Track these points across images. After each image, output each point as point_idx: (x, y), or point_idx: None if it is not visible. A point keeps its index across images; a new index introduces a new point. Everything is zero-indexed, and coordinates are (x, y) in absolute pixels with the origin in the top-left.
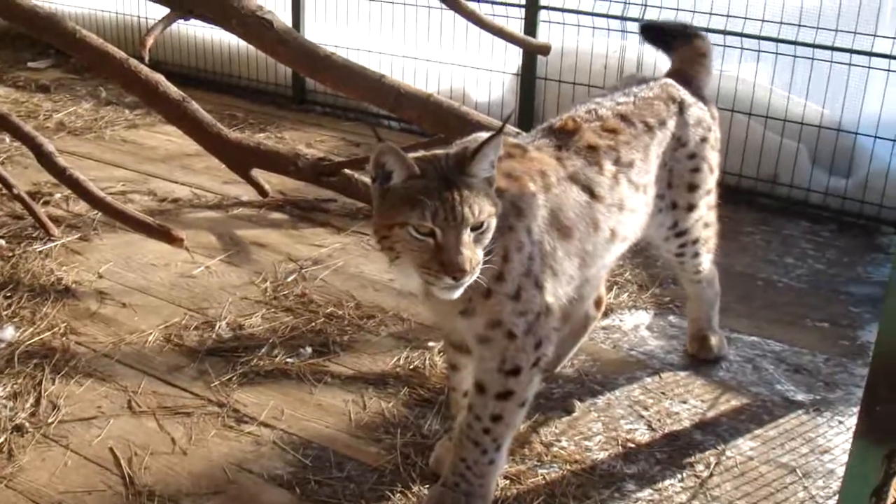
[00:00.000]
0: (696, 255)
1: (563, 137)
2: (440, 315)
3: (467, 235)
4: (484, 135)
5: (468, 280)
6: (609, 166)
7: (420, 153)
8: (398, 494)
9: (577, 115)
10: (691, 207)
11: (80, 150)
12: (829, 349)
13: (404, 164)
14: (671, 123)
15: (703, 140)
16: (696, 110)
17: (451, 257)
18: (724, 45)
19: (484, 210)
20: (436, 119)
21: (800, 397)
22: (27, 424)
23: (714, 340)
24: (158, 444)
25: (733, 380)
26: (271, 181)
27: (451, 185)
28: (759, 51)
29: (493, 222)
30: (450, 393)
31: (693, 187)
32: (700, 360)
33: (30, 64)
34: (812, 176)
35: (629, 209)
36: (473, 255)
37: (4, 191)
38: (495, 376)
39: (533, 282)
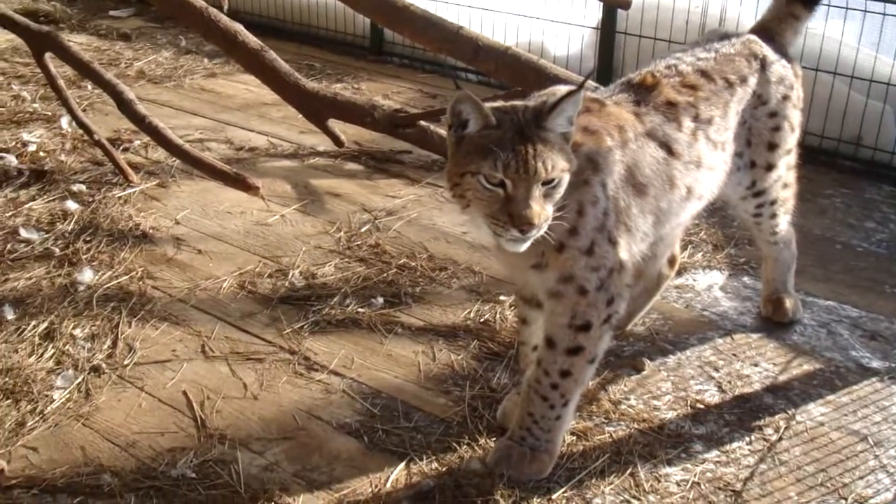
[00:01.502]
0: (774, 215)
1: (642, 92)
2: (512, 267)
3: (538, 190)
4: (563, 89)
5: (535, 234)
6: (688, 123)
7: (498, 103)
8: (465, 446)
9: (656, 70)
10: (770, 167)
11: (160, 97)
12: None
13: (481, 112)
14: (752, 80)
15: (785, 98)
16: (779, 68)
17: (520, 210)
18: None
19: (557, 165)
20: (513, 72)
21: (875, 364)
22: (104, 366)
23: (789, 303)
24: (230, 388)
25: (807, 344)
26: (347, 132)
27: (526, 137)
28: (846, 8)
29: (566, 178)
30: (519, 347)
31: (773, 146)
32: (774, 322)
33: (111, 13)
34: None
35: (707, 167)
36: (542, 209)
37: (85, 137)
38: (566, 331)
39: (606, 237)
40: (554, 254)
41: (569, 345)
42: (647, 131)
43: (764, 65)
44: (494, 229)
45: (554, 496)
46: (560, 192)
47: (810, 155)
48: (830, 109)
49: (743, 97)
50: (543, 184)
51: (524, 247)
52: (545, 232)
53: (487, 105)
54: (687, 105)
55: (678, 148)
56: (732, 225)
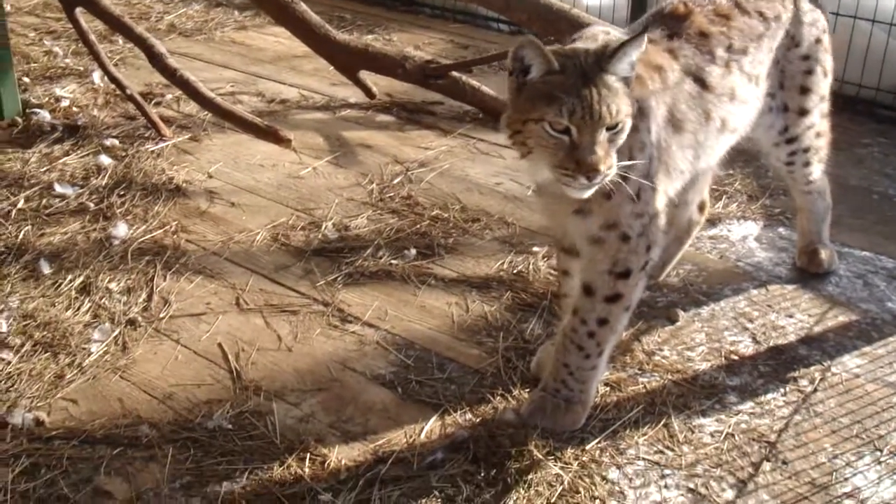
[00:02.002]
0: (807, 164)
1: (674, 23)
2: (553, 214)
3: (603, 135)
4: (599, 29)
5: (601, 181)
6: (721, 53)
7: (557, 47)
8: (498, 397)
9: (693, 0)
10: (803, 112)
11: (191, 51)
12: None
13: (544, 58)
14: (786, 18)
15: (818, 41)
16: (812, 9)
17: (586, 156)
18: None
19: (621, 110)
20: (546, 21)
21: None
22: (140, 319)
23: (824, 254)
24: (265, 340)
25: (842, 295)
26: (379, 83)
27: (590, 82)
28: None
29: (629, 123)
30: (561, 300)
31: (805, 90)
32: (809, 273)
33: None
34: None
35: (740, 100)
36: (608, 155)
37: (118, 91)
38: (606, 278)
39: (650, 184)
40: (601, 200)
41: (608, 292)
42: (683, 67)
43: (797, 4)
44: (560, 177)
45: (588, 447)
46: (623, 137)
47: (847, 104)
48: (868, 58)
49: (776, 34)
50: (608, 129)
51: (589, 193)
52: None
53: (548, 49)
54: (720, 35)
55: (711, 80)
56: (767, 175)
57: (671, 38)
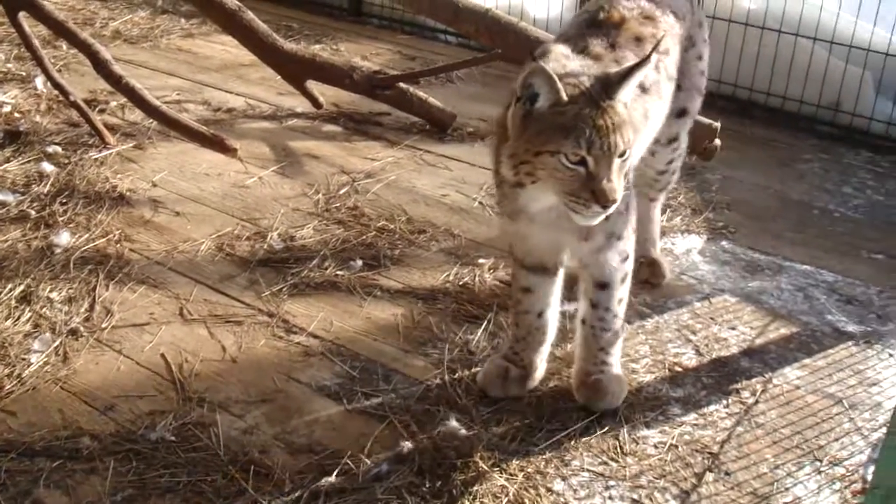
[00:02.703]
0: (675, 172)
1: (612, 31)
2: (546, 240)
3: (617, 164)
4: (561, 51)
5: (614, 208)
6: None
7: (567, 77)
8: (444, 409)
9: (619, 4)
10: (692, 115)
11: (136, 58)
12: (883, 281)
13: (554, 88)
14: (688, 19)
15: (705, 42)
16: (701, 11)
17: (604, 186)
18: None
19: (631, 138)
20: (493, 34)
21: (850, 328)
22: (82, 329)
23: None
24: (209, 351)
25: (783, 308)
26: (326, 93)
27: (602, 112)
28: None
29: (635, 146)
30: (521, 316)
31: (700, 93)
32: (746, 291)
33: None
34: (876, 104)
35: (664, 99)
36: (621, 183)
37: (61, 98)
38: (616, 270)
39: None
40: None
41: (620, 277)
42: None
43: (692, 5)
44: (573, 206)
45: (533, 458)
46: (630, 162)
47: (789, 120)
48: (810, 75)
49: (681, 35)
50: (619, 156)
51: (600, 219)
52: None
53: (561, 78)
54: (651, 37)
55: (647, 83)
56: (711, 189)
57: (613, 48)
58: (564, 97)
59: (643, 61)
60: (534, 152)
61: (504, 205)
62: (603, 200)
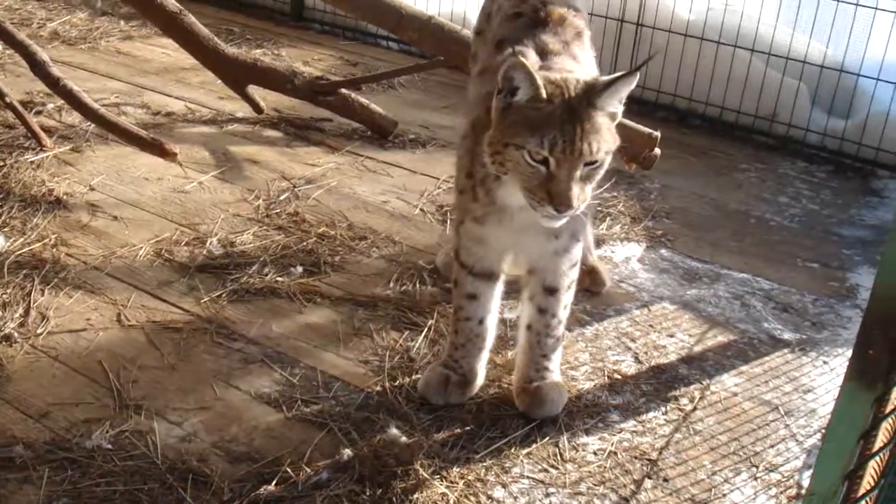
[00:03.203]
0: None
1: (558, 28)
2: (516, 239)
3: (580, 171)
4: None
5: (571, 213)
6: (589, 47)
7: (550, 74)
8: (384, 416)
9: (551, 2)
10: None
11: (74, 60)
12: (818, 290)
13: (533, 84)
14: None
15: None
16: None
17: (560, 190)
18: None
19: (601, 148)
20: (436, 41)
21: (786, 336)
22: (16, 335)
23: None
24: (147, 358)
25: (721, 316)
26: (267, 98)
27: (575, 116)
28: None
29: (608, 159)
30: (463, 323)
31: None
32: (688, 295)
33: None
34: (811, 116)
35: None
36: (581, 191)
37: None
38: (566, 275)
39: None
40: (574, 219)
41: (568, 283)
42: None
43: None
44: (531, 203)
45: (473, 465)
46: (600, 173)
47: (727, 130)
48: (747, 86)
49: None
50: (586, 164)
51: (560, 223)
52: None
53: (541, 75)
54: (583, 29)
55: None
56: (650, 198)
57: (567, 45)
58: (544, 94)
59: (632, 72)
60: (504, 143)
61: (473, 207)
62: (557, 203)
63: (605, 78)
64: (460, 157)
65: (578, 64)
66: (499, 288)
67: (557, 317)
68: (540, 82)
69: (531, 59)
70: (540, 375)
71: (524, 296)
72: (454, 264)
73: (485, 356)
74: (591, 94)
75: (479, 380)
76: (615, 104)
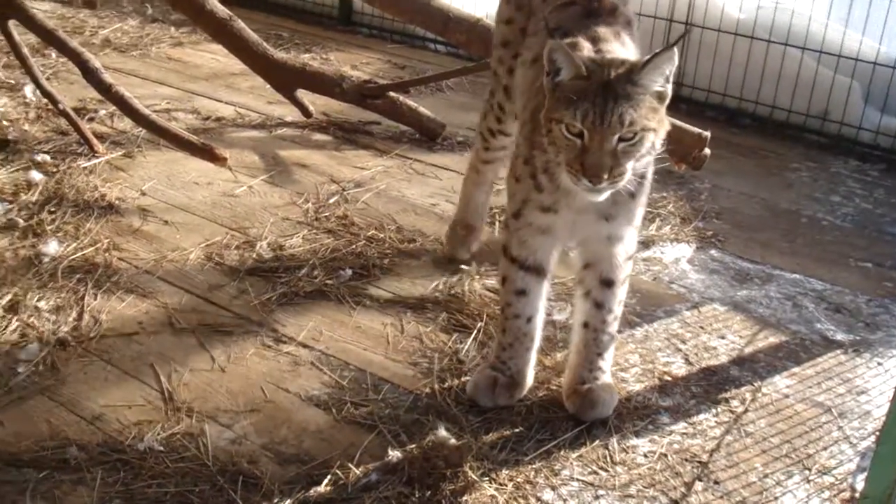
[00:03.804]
0: None
1: (609, 18)
2: (573, 223)
3: (612, 143)
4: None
5: (606, 186)
6: (636, 38)
7: (594, 54)
8: (433, 418)
9: None
10: None
11: (126, 67)
12: (871, 290)
13: (572, 62)
14: None
15: None
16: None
17: (591, 160)
18: None
19: (637, 122)
20: (484, 44)
21: (839, 337)
22: (69, 338)
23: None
24: (197, 361)
25: (773, 317)
26: (316, 102)
27: (611, 91)
28: None
29: (650, 137)
30: (511, 321)
31: None
32: (737, 298)
33: None
34: (864, 113)
35: None
36: (616, 163)
37: (50, 106)
38: (622, 267)
39: None
40: (628, 202)
41: (623, 276)
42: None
43: None
44: (571, 178)
45: (522, 468)
46: (640, 149)
47: (778, 129)
48: (799, 84)
49: None
50: (622, 139)
51: (602, 197)
52: (623, 186)
53: (583, 55)
54: (633, 20)
55: None
56: (700, 198)
57: (619, 36)
58: (584, 71)
59: (669, 48)
60: (549, 119)
61: (537, 196)
62: (588, 174)
63: (645, 57)
64: (518, 144)
65: (627, 51)
66: (546, 287)
67: (613, 312)
68: (579, 61)
69: (584, 47)
70: (593, 376)
71: (579, 293)
72: (502, 261)
73: (533, 357)
74: (632, 72)
75: (528, 381)
76: (659, 82)
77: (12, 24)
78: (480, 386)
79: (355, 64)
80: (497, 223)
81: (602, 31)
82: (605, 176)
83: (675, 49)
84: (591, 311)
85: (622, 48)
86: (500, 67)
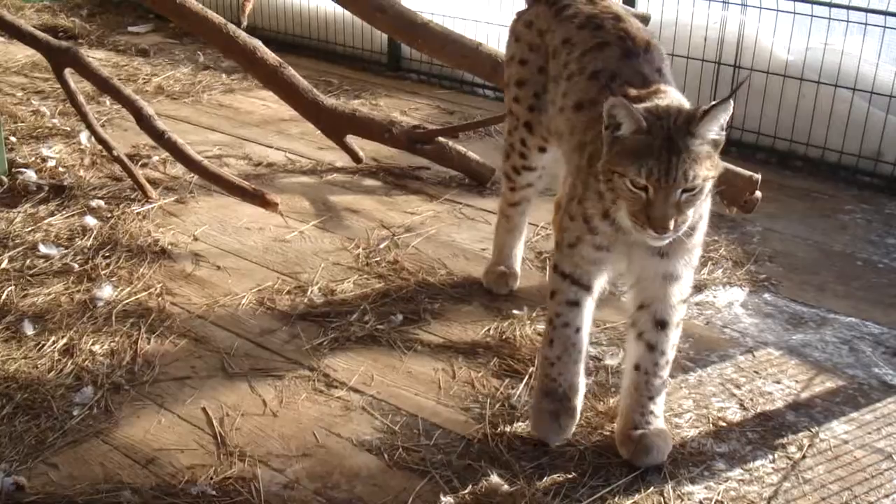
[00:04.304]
0: None
1: (645, 55)
2: (628, 256)
3: (677, 196)
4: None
5: (671, 236)
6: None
7: (651, 104)
8: (486, 464)
9: (631, 25)
10: None
11: (178, 113)
12: None
13: (633, 117)
14: None
15: None
16: None
17: (658, 215)
18: (830, 18)
19: (699, 175)
20: None
21: None
22: (123, 382)
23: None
24: (250, 405)
25: (829, 361)
26: (365, 148)
27: (673, 145)
28: (865, 24)
29: (709, 185)
30: (560, 330)
31: None
32: (794, 340)
33: (130, 28)
34: None
35: None
36: (680, 215)
37: (104, 152)
38: (676, 308)
39: None
40: (684, 240)
41: (678, 319)
42: None
43: None
44: (634, 226)
45: None
46: (701, 197)
47: (830, 170)
48: (850, 125)
49: None
50: (684, 191)
51: (664, 243)
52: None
53: (640, 107)
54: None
55: None
56: (752, 241)
57: (660, 73)
58: (644, 125)
59: (727, 99)
60: (611, 171)
61: (591, 237)
62: (654, 226)
63: (703, 107)
64: (573, 185)
65: (673, 87)
66: (592, 304)
67: (666, 355)
68: (640, 117)
69: (632, 93)
70: (645, 420)
71: (631, 336)
72: (553, 278)
73: (582, 376)
74: (690, 122)
75: (581, 394)
76: (715, 130)
77: (68, 73)
78: (540, 413)
79: (404, 109)
80: (547, 268)
81: (646, 70)
82: (671, 226)
83: (732, 99)
84: (643, 352)
85: (667, 85)
86: (516, 106)
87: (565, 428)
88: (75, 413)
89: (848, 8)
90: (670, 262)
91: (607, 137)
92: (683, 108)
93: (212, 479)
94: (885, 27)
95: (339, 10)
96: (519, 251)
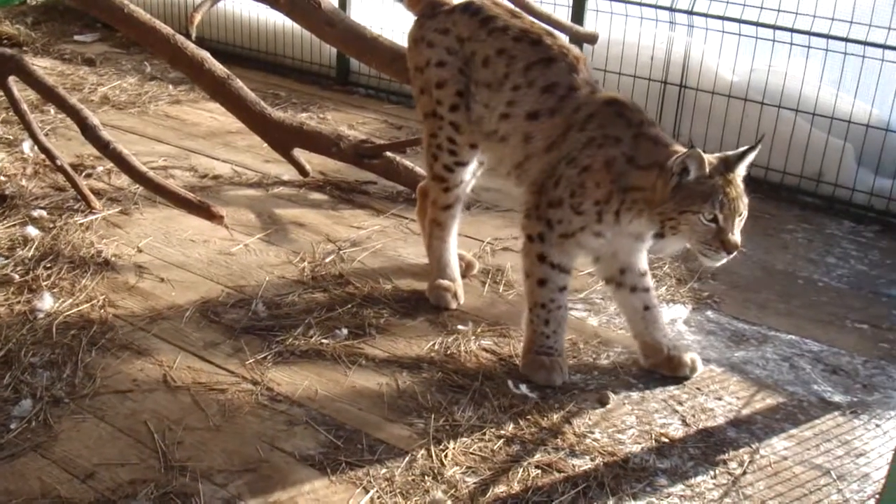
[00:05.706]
0: None
1: (585, 66)
2: (615, 243)
3: (739, 223)
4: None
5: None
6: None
7: (706, 156)
8: (429, 479)
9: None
10: None
11: (124, 124)
12: (868, 351)
13: (703, 166)
14: None
15: None
16: None
17: (731, 240)
18: (774, 40)
19: (747, 203)
20: None
21: (837, 398)
22: (63, 395)
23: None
24: (192, 419)
25: (769, 378)
26: (312, 161)
27: (730, 183)
28: (808, 47)
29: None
30: (556, 312)
31: None
32: (735, 357)
33: (76, 37)
34: (857, 175)
35: None
36: (740, 235)
37: (47, 162)
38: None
39: None
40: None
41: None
42: None
43: None
44: (703, 252)
45: None
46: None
47: (773, 191)
48: (792, 146)
49: None
50: (739, 216)
51: (722, 263)
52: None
53: (710, 158)
54: None
55: None
56: (695, 259)
57: (652, 125)
58: (707, 171)
59: (755, 146)
60: (679, 211)
61: (596, 226)
62: (729, 249)
63: (735, 152)
64: (582, 184)
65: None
66: None
67: (652, 289)
68: (707, 164)
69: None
70: (669, 341)
71: (624, 292)
72: (542, 267)
73: None
74: (729, 165)
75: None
76: (745, 169)
77: (12, 80)
78: (553, 368)
79: (352, 123)
80: (488, 283)
81: (592, 82)
82: (740, 247)
83: (759, 146)
84: (644, 296)
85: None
86: (439, 108)
87: (564, 371)
88: (13, 426)
89: (791, 31)
90: (644, 242)
91: (674, 182)
92: (729, 155)
93: (153, 493)
94: (826, 50)
95: (289, 22)
96: (456, 258)
